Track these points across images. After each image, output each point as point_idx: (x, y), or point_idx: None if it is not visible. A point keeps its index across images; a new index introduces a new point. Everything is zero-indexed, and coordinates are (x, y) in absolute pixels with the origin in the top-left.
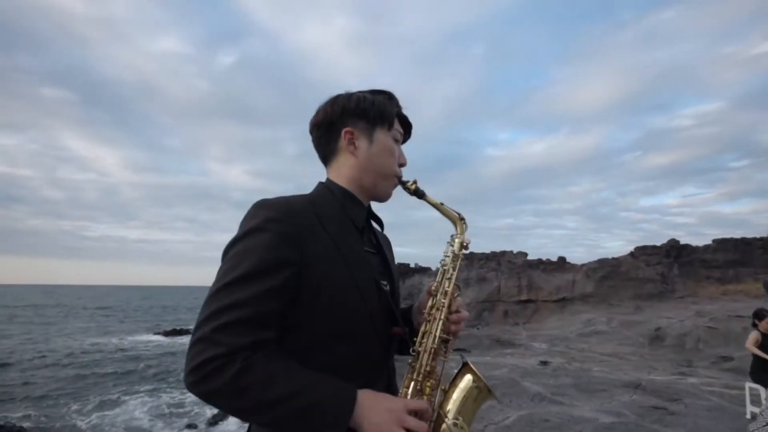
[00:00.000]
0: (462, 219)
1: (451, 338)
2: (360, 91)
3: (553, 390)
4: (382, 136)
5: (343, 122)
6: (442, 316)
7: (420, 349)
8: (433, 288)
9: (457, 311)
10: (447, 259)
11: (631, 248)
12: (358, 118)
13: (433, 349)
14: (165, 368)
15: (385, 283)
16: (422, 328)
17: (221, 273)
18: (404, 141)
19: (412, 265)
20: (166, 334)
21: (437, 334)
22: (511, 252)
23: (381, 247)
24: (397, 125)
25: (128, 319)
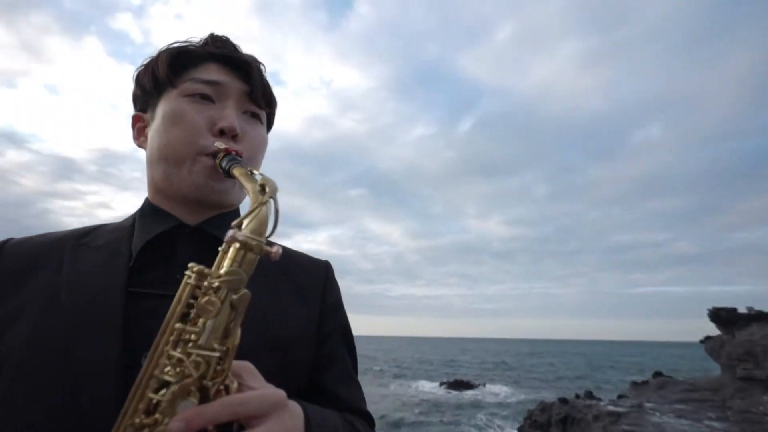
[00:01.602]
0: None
1: None
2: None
3: None
4: (164, 105)
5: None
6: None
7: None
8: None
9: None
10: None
11: None
12: (141, 95)
13: None
14: None
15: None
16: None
17: None
18: (256, 102)
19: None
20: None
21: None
22: None
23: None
24: (199, 74)
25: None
